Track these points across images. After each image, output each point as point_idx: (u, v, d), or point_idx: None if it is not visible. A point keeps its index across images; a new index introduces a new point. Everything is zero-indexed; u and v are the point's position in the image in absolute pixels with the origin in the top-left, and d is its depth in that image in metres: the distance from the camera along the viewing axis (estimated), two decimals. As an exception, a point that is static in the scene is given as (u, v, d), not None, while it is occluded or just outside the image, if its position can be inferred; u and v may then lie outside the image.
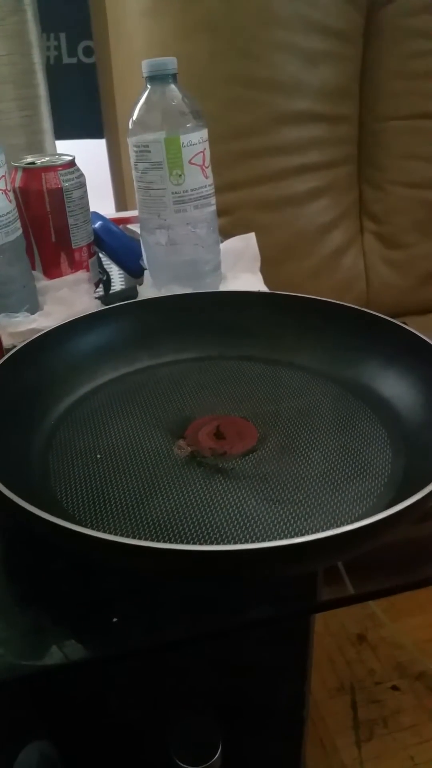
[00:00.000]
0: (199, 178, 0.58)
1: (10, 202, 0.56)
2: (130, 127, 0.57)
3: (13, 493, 0.32)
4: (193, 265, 0.60)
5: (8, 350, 0.46)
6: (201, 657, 0.52)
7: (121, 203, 1.21)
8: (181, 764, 0.52)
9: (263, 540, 0.34)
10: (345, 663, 1.06)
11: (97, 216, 0.69)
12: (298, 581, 0.35)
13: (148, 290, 0.62)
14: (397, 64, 1.03)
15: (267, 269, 0.67)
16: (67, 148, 1.12)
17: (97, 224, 0.68)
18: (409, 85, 1.04)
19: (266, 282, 0.65)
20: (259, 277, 0.66)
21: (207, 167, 0.58)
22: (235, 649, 0.52)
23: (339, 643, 1.09)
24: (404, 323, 0.48)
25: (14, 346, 0.47)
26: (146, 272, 0.63)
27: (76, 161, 0.62)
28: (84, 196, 0.62)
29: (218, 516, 0.36)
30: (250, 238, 0.67)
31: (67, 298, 0.60)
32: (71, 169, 0.60)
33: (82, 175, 0.62)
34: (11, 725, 0.55)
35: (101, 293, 0.67)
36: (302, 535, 0.29)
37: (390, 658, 1.06)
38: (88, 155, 0.86)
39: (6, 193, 0.55)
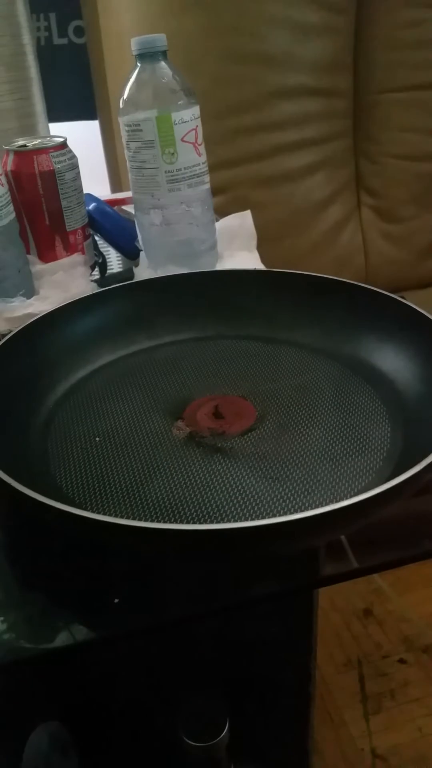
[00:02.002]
0: (192, 156, 0.57)
1: (2, 185, 0.55)
2: (121, 106, 0.57)
3: (12, 478, 0.32)
4: (189, 244, 0.60)
5: (4, 335, 0.46)
6: (207, 635, 0.53)
7: (116, 184, 1.20)
8: (190, 742, 0.52)
9: (263, 517, 0.34)
10: (352, 638, 1.07)
11: (91, 198, 0.69)
12: (301, 557, 0.35)
13: (144, 271, 0.61)
14: (390, 34, 1.02)
15: (264, 247, 0.67)
16: (60, 130, 1.11)
17: (91, 206, 0.67)
18: (403, 56, 1.03)
19: (264, 259, 0.65)
20: (256, 255, 0.65)
21: (200, 145, 0.58)
22: (240, 627, 0.53)
23: (345, 618, 1.10)
24: (402, 297, 0.48)
25: (10, 331, 0.46)
26: (142, 253, 0.63)
27: (70, 144, 0.61)
28: (77, 178, 0.61)
29: (218, 495, 0.36)
30: (246, 216, 0.67)
31: (63, 282, 0.59)
32: (63, 151, 0.60)
33: (74, 156, 0.61)
34: (21, 707, 0.56)
35: (97, 276, 0.67)
36: (302, 511, 0.29)
37: (396, 632, 1.07)
38: (83, 137, 0.85)
39: (-3, 177, 0.54)
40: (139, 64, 0.55)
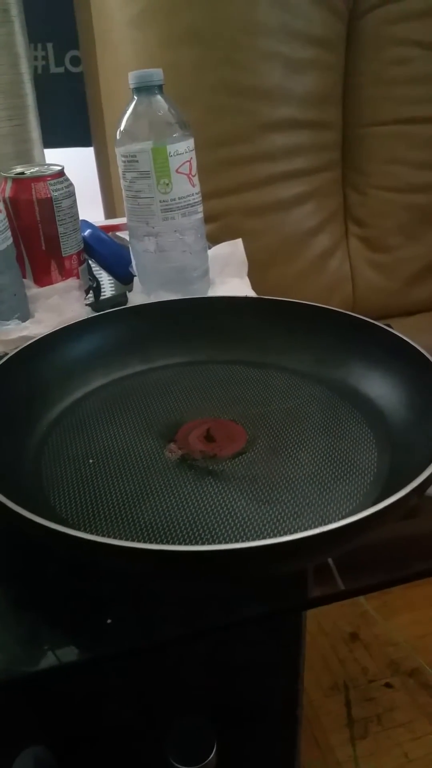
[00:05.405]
0: (186, 187, 0.59)
1: (1, 212, 0.57)
2: (117, 137, 0.58)
3: (6, 497, 0.33)
4: (182, 271, 0.61)
5: (0, 358, 0.47)
6: (195, 658, 0.53)
7: (109, 210, 1.22)
8: (177, 765, 0.52)
9: (254, 539, 0.35)
10: (338, 661, 1.07)
11: (87, 224, 0.70)
12: (290, 579, 0.36)
13: (137, 296, 0.63)
14: (379, 71, 1.05)
15: (255, 274, 0.68)
16: (55, 156, 1.13)
17: (87, 232, 0.69)
18: (391, 92, 1.06)
19: (254, 286, 0.66)
20: (247, 282, 0.67)
21: (194, 176, 0.59)
22: (228, 649, 0.53)
23: (332, 642, 1.10)
24: (388, 325, 0.49)
25: (6, 354, 0.47)
26: (135, 279, 0.64)
27: (65, 169, 0.63)
28: (73, 205, 0.63)
29: (209, 517, 0.37)
30: (238, 243, 0.68)
31: (58, 306, 0.60)
32: (60, 179, 0.61)
33: (71, 184, 0.63)
34: (6, 731, 0.55)
35: (91, 300, 0.68)
36: (291, 533, 0.30)
37: (383, 656, 1.07)
38: (77, 163, 0.87)
39: (-4, 204, 0.56)
40: (135, 97, 0.57)
